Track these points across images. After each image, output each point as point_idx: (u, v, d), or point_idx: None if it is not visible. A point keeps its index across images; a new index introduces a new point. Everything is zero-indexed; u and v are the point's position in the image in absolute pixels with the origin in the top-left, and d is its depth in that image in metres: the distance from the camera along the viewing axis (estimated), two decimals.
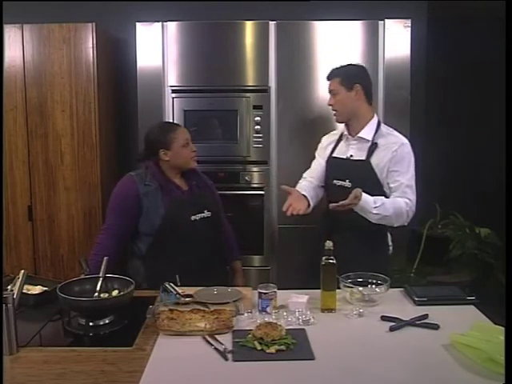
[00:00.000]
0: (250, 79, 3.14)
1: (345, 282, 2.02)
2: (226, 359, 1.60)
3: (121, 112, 3.57)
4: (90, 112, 3.16)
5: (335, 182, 2.45)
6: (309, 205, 2.42)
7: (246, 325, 1.82)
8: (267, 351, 1.63)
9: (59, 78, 3.14)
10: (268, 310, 1.91)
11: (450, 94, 4.05)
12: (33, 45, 3.13)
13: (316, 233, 2.56)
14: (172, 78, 3.14)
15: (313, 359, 1.61)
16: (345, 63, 2.46)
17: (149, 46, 3.10)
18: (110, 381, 1.50)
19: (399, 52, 3.05)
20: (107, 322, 1.87)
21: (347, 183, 2.39)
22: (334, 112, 2.46)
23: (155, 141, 2.38)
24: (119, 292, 1.96)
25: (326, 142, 2.60)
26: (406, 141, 2.41)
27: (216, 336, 1.73)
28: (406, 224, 2.40)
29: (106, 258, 2.05)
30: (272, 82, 3.11)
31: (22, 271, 1.79)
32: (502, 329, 1.56)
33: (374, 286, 2.05)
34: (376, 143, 2.39)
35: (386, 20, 3.04)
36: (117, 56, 3.50)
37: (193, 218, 2.36)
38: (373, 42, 3.06)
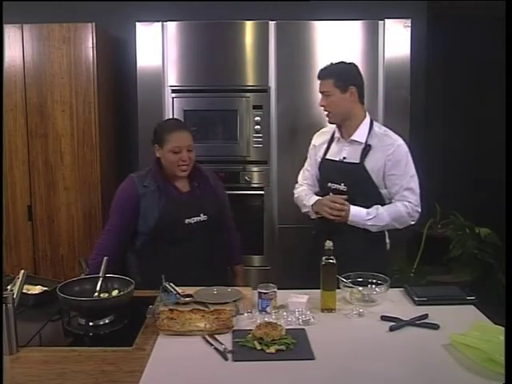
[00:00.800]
0: (250, 79, 3.14)
1: (345, 281, 2.02)
2: (226, 359, 1.60)
3: (121, 112, 3.57)
4: (89, 112, 3.16)
5: (330, 184, 2.41)
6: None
7: (246, 325, 1.82)
8: (267, 351, 1.63)
9: (59, 77, 3.15)
10: (268, 309, 1.90)
11: (449, 93, 4.05)
12: (33, 45, 3.13)
13: (314, 233, 2.55)
14: (172, 78, 3.14)
15: (313, 359, 1.60)
16: (335, 61, 2.39)
17: (149, 46, 3.10)
18: (109, 381, 1.50)
19: (399, 52, 3.05)
20: (107, 321, 1.86)
21: (342, 186, 2.36)
22: (327, 113, 2.40)
23: (155, 133, 2.37)
24: (119, 292, 1.96)
25: (318, 143, 2.54)
26: (401, 141, 2.36)
27: (216, 336, 1.73)
28: (412, 223, 2.40)
29: (105, 258, 2.05)
30: (272, 82, 3.11)
31: (22, 271, 1.79)
32: (502, 329, 1.56)
33: (373, 286, 2.04)
34: (369, 145, 2.34)
35: (386, 20, 3.04)
36: (117, 56, 3.50)
37: (187, 221, 2.31)
38: (373, 42, 3.06)
